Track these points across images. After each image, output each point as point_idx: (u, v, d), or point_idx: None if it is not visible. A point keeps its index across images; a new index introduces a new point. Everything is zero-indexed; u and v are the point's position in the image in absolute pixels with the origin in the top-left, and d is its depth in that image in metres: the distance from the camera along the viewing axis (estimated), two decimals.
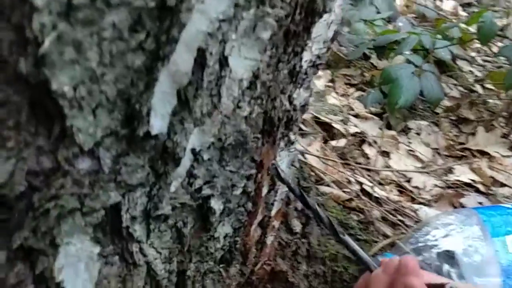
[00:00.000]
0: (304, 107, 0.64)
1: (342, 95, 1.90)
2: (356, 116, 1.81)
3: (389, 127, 1.84)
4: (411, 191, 1.56)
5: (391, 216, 1.33)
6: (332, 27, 0.56)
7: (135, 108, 0.37)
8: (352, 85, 1.98)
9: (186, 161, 0.46)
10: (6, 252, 0.37)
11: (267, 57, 0.45)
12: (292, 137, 0.65)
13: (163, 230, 0.50)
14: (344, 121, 1.70)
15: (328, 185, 1.31)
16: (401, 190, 1.54)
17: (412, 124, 1.89)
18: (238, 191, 0.55)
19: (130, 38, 0.34)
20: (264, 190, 0.64)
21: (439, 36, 1.99)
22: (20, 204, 0.37)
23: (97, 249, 0.42)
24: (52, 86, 0.31)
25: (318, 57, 0.59)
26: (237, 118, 0.47)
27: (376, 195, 1.38)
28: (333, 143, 1.55)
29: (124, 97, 0.37)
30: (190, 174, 0.47)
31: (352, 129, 1.66)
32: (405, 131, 1.86)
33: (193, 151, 0.45)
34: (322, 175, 1.34)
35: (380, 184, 1.53)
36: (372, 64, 2.11)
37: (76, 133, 0.35)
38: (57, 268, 0.40)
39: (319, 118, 1.59)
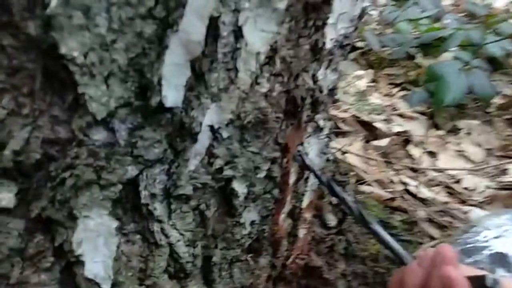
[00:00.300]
0: (332, 91, 0.62)
1: (385, 95, 1.84)
2: (401, 116, 1.74)
3: (436, 127, 1.76)
4: (460, 193, 1.47)
5: (438, 217, 1.26)
6: (358, 4, 0.54)
7: (148, 78, 0.37)
8: (396, 85, 1.91)
9: (205, 138, 0.45)
10: (24, 221, 0.38)
11: (285, 30, 0.44)
12: (321, 122, 0.63)
13: (185, 211, 0.49)
14: (388, 121, 1.64)
15: (369, 184, 1.27)
16: (450, 191, 1.46)
17: (461, 123, 1.79)
18: (262, 174, 0.53)
19: (138, 4, 0.34)
20: (292, 177, 0.62)
21: (489, 32, 1.89)
22: (38, 174, 0.37)
23: (115, 224, 0.42)
24: (61, 50, 0.32)
25: (345, 37, 0.57)
26: (256, 95, 0.46)
27: (422, 196, 1.32)
28: (375, 142, 1.50)
29: (137, 67, 0.37)
30: (210, 153, 0.47)
31: (396, 129, 1.60)
32: (454, 131, 1.77)
33: (211, 128, 0.45)
34: (363, 174, 1.29)
35: (427, 185, 1.45)
36: (417, 63, 2.03)
37: (89, 102, 0.35)
38: (76, 241, 0.41)
39: (360, 118, 1.54)
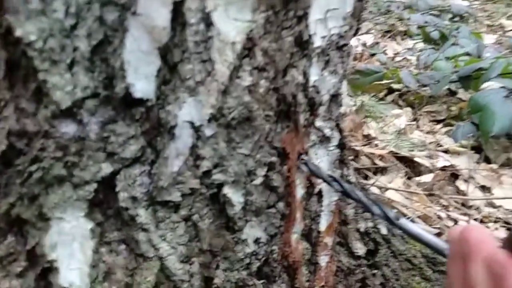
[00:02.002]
0: (336, 98, 0.59)
1: (428, 132, 1.75)
2: (446, 152, 1.64)
3: (487, 160, 1.63)
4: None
5: None
6: (350, 1, 0.53)
7: (112, 66, 0.37)
8: (438, 121, 1.82)
9: (186, 136, 0.43)
10: None
11: (262, 19, 0.43)
12: (327, 131, 0.59)
13: (175, 221, 0.47)
14: (431, 157, 1.55)
15: (412, 221, 1.16)
16: (511, 227, 1.30)
17: None
18: (258, 181, 0.50)
19: None
20: (299, 191, 0.58)
21: None
22: (9, 170, 0.37)
23: (90, 225, 0.40)
24: (17, 33, 0.32)
25: (340, 36, 0.55)
26: (238, 89, 0.44)
27: None
28: (418, 178, 1.40)
29: (102, 56, 0.37)
30: (195, 154, 0.45)
31: (441, 164, 1.50)
32: (508, 164, 1.63)
33: (192, 125, 0.43)
34: (405, 210, 1.20)
35: (482, 222, 1.31)
36: (459, 98, 1.95)
37: (53, 90, 0.35)
38: (49, 244, 0.39)
39: (399, 154, 1.46)
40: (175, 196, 0.45)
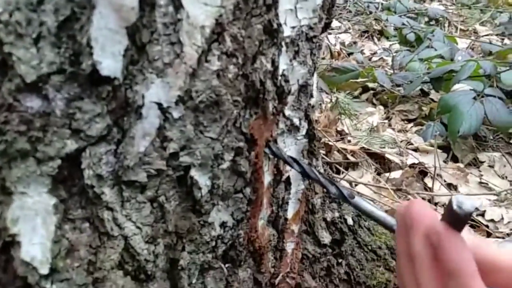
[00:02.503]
0: (306, 88, 0.60)
1: (399, 131, 1.79)
2: (416, 150, 1.68)
3: (455, 160, 1.68)
4: (486, 225, 1.37)
5: None
6: None
7: (80, 43, 0.37)
8: (409, 120, 1.87)
9: (153, 117, 0.44)
10: None
11: (231, 5, 0.44)
12: (296, 121, 0.61)
13: (140, 201, 0.47)
14: (401, 154, 1.59)
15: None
16: (475, 224, 1.36)
17: (483, 156, 1.71)
18: (225, 165, 0.51)
19: None
20: (267, 177, 0.59)
21: (502, 63, 1.85)
22: None
23: (53, 201, 0.40)
24: None
25: (310, 27, 0.56)
26: (206, 73, 0.45)
27: None
28: (388, 174, 1.44)
29: (69, 33, 0.37)
30: (162, 136, 0.45)
31: (410, 161, 1.54)
32: (475, 164, 1.69)
33: (159, 106, 0.44)
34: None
35: None
36: (431, 99, 2.00)
37: (17, 64, 0.35)
38: (11, 218, 0.39)
39: (371, 150, 1.50)
40: (141, 177, 0.46)
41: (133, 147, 0.43)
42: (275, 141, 0.59)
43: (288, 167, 0.61)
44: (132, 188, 0.46)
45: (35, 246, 0.40)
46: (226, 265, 0.59)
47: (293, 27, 0.53)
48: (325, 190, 0.52)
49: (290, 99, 0.57)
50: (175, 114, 0.45)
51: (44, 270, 0.40)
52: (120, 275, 0.47)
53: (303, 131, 0.63)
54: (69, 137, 0.40)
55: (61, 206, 0.42)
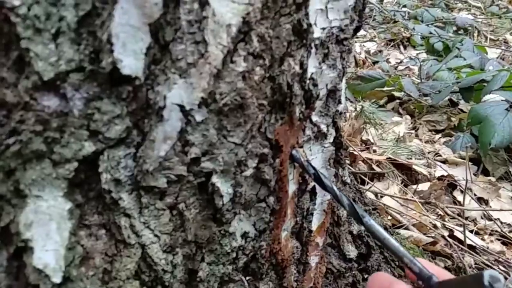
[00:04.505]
0: (334, 93, 0.57)
1: (426, 141, 1.73)
2: (444, 162, 1.62)
3: (486, 173, 1.61)
4: None
5: (490, 267, 1.10)
6: None
7: (99, 38, 0.35)
8: (437, 131, 1.81)
9: (175, 119, 0.42)
10: None
11: (259, 3, 0.41)
12: (323, 127, 0.57)
13: (159, 208, 0.45)
14: (429, 166, 1.53)
15: (407, 228, 1.15)
16: (506, 241, 1.29)
17: None
18: (248, 172, 0.48)
19: None
20: (292, 187, 0.56)
21: None
22: None
23: (68, 206, 0.38)
24: None
25: (341, 29, 0.53)
26: (231, 74, 0.43)
27: (471, 243, 1.17)
28: (415, 186, 1.38)
29: (90, 29, 0.35)
30: (184, 140, 0.43)
31: (438, 173, 1.48)
32: (507, 178, 1.61)
33: (181, 108, 0.41)
34: (400, 217, 1.18)
35: (477, 233, 1.30)
36: (460, 110, 1.94)
37: (35, 60, 0.34)
38: (24, 223, 0.37)
39: (397, 161, 1.45)
40: (161, 182, 0.44)
41: (153, 151, 0.41)
42: (301, 148, 0.56)
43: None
44: (151, 194, 0.44)
45: (48, 253, 0.38)
46: (247, 278, 0.56)
47: (323, 28, 0.51)
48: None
49: (318, 104, 0.54)
50: (198, 117, 0.43)
51: (57, 279, 0.38)
52: (136, 285, 0.45)
53: (331, 139, 0.60)
54: (87, 139, 0.38)
55: (76, 211, 0.40)
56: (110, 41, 0.35)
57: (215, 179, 0.46)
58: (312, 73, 0.51)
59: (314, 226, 0.65)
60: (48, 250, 0.38)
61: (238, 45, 0.42)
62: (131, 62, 0.37)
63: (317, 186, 0.61)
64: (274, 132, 0.49)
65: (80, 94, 0.37)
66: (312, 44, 0.49)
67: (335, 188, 0.48)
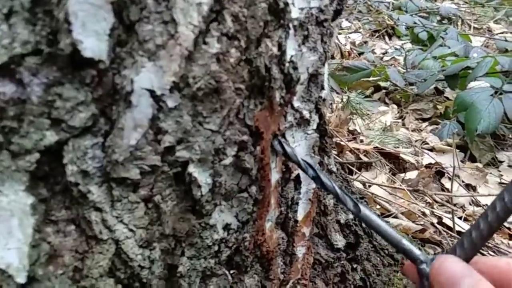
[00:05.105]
0: (316, 78, 0.55)
1: (413, 130, 1.73)
2: (431, 150, 1.62)
3: (473, 159, 1.61)
4: (508, 228, 1.29)
5: (479, 254, 1.09)
6: None
7: (58, 19, 0.32)
8: (424, 119, 1.81)
9: (145, 106, 0.39)
10: None
11: None
12: (306, 113, 0.55)
13: (133, 201, 0.42)
14: (416, 154, 1.52)
15: (395, 217, 1.14)
16: None
17: (502, 155, 1.64)
18: (227, 161, 0.46)
19: None
20: (274, 175, 0.54)
21: None
22: None
23: (30, 200, 0.36)
24: None
25: (320, 10, 0.51)
26: (205, 56, 0.40)
27: (460, 230, 1.16)
28: (403, 175, 1.38)
29: (46, 8, 0.33)
30: (156, 128, 0.40)
31: (426, 161, 1.47)
32: (494, 163, 1.61)
33: (152, 93, 0.39)
34: (389, 206, 1.17)
35: (466, 220, 1.29)
36: (446, 97, 1.93)
37: None
38: None
39: (384, 150, 1.43)
40: (133, 173, 0.41)
41: (122, 139, 0.39)
42: (283, 135, 0.54)
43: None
44: (123, 186, 0.41)
45: (10, 251, 0.35)
46: (231, 272, 0.54)
47: (302, 9, 0.48)
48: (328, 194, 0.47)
49: (299, 89, 0.52)
50: (170, 103, 0.40)
51: (21, 279, 0.36)
52: (110, 283, 0.42)
53: (314, 125, 0.58)
54: (48, 128, 0.35)
55: (41, 206, 0.37)
56: (67, 20, 0.32)
57: (192, 168, 0.44)
58: (292, 56, 0.49)
59: (300, 216, 0.63)
60: (10, 249, 0.35)
61: (210, 25, 0.40)
62: (93, 44, 0.35)
63: (301, 174, 0.60)
64: (253, 118, 0.47)
65: (39, 80, 0.34)
66: (291, 25, 0.47)
67: (323, 175, 0.46)
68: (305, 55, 0.51)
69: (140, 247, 0.44)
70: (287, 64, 0.48)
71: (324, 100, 0.61)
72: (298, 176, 0.59)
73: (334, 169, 0.76)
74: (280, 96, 0.50)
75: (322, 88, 0.59)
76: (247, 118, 0.47)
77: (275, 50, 0.45)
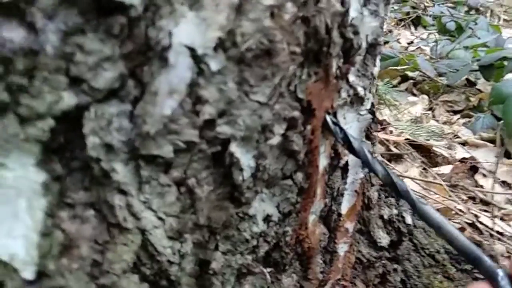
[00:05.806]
0: (374, 48, 0.47)
1: (444, 122, 1.63)
2: (464, 144, 1.52)
3: (508, 156, 1.52)
4: None
5: None
6: None
7: None
8: (455, 112, 1.71)
9: (183, 67, 0.32)
10: None
11: None
12: (360, 90, 0.48)
13: (164, 184, 0.35)
14: (449, 147, 1.43)
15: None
16: None
17: None
18: (274, 141, 0.39)
19: None
20: (323, 161, 0.46)
21: None
22: None
23: (42, 178, 0.29)
24: None
25: None
26: (256, 9, 0.33)
27: (499, 230, 1.08)
28: (436, 169, 1.29)
29: None
30: (195, 95, 0.33)
31: (460, 155, 1.38)
32: None
33: (192, 52, 0.31)
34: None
35: (502, 219, 1.20)
36: (478, 89, 1.83)
37: None
38: None
39: (416, 142, 1.35)
40: (166, 151, 0.34)
41: (155, 107, 0.31)
42: (334, 115, 0.46)
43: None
44: (153, 165, 0.34)
45: (16, 240, 0.29)
46: (268, 270, 0.47)
47: None
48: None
49: (357, 59, 0.44)
50: (213, 66, 0.33)
51: (29, 274, 0.29)
52: (134, 280, 0.35)
53: (368, 105, 0.50)
54: (66, 88, 0.28)
55: (54, 185, 0.30)
56: None
57: (234, 148, 0.37)
58: (353, 19, 0.41)
59: (344, 209, 0.55)
60: (15, 236, 0.28)
61: None
62: None
63: (349, 162, 0.52)
64: (306, 91, 0.40)
65: (55, 25, 0.27)
66: None
67: (391, 174, 0.39)
68: (366, 19, 0.44)
69: (169, 239, 0.37)
70: (348, 28, 0.41)
71: (375, 78, 0.53)
72: (346, 163, 0.51)
73: (379, 159, 0.68)
74: (337, 66, 0.42)
75: (377, 61, 0.51)
76: (299, 91, 0.39)
77: (338, 6, 0.37)
